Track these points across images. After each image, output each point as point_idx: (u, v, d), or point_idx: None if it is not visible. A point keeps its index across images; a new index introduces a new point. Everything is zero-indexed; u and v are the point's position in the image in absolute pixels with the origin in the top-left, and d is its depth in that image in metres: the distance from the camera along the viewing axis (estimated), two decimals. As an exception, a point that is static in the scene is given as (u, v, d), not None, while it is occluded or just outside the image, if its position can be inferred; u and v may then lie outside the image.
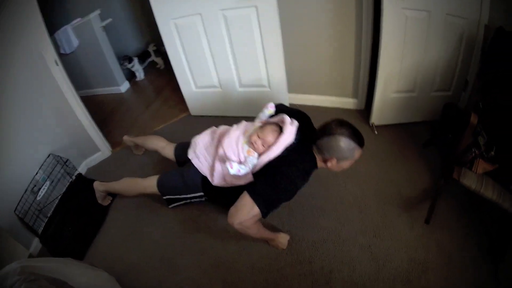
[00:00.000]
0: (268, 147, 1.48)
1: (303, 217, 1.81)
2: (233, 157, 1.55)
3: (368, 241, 1.64)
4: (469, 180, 1.49)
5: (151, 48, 3.66)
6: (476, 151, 1.51)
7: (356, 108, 2.53)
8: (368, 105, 2.43)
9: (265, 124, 1.59)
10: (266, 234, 1.59)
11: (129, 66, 3.44)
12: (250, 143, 1.52)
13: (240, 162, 1.53)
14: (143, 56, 3.63)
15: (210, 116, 2.75)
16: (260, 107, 2.34)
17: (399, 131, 2.27)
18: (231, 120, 2.47)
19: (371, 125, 2.30)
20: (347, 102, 2.53)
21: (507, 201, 1.42)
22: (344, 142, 1.35)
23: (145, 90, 3.48)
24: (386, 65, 2.01)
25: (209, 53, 2.33)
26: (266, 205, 1.35)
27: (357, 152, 1.39)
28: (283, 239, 1.66)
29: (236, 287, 1.57)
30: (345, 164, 1.45)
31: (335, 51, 2.29)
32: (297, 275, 1.56)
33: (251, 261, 1.65)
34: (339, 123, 1.39)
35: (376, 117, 2.27)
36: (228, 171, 1.47)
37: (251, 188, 1.37)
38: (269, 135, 1.49)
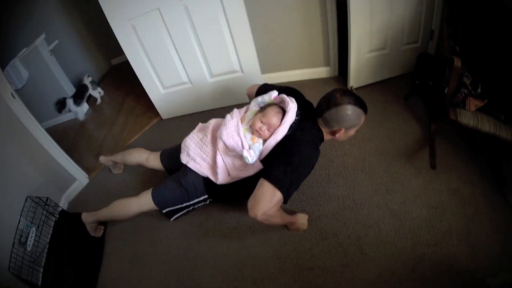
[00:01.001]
0: (274, 130, 1.44)
1: (312, 193, 1.81)
2: (236, 148, 1.49)
3: (384, 199, 1.68)
4: (466, 118, 1.59)
5: (86, 80, 3.13)
6: (465, 91, 1.61)
7: (330, 76, 2.56)
8: (341, 71, 2.48)
9: (264, 107, 1.53)
10: (288, 218, 1.55)
11: (65, 110, 3.07)
12: (255, 131, 1.46)
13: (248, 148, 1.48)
14: (79, 93, 3.07)
15: (183, 115, 2.66)
16: (236, 93, 2.31)
17: (378, 89, 2.35)
18: (206, 115, 2.43)
19: (350, 88, 2.34)
20: (320, 71, 2.55)
21: (503, 130, 1.54)
22: (351, 110, 1.35)
23: (106, 107, 3.28)
24: (357, 27, 2.05)
25: (174, 49, 2.23)
26: (287, 188, 1.30)
27: (363, 118, 1.41)
28: (302, 219, 1.64)
29: (269, 281, 1.53)
30: (352, 132, 1.46)
31: (302, 23, 2.30)
32: (326, 251, 1.56)
33: (275, 251, 1.62)
34: (342, 92, 1.38)
35: (354, 80, 2.32)
36: (245, 160, 1.41)
37: (268, 175, 1.32)
38: (274, 118, 1.44)
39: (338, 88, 1.44)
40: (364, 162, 1.89)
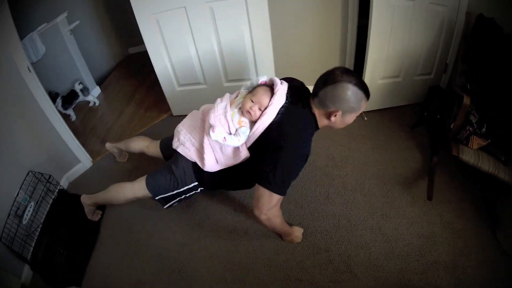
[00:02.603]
0: (265, 110, 1.37)
1: (311, 208, 1.88)
2: (222, 131, 1.44)
3: (378, 223, 1.76)
4: (467, 155, 1.66)
5: (77, 88, 3.00)
6: (470, 128, 1.69)
7: (342, 95, 2.65)
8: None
9: (254, 88, 1.48)
10: (286, 227, 1.61)
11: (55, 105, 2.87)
12: (247, 112, 1.39)
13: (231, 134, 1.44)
14: (69, 98, 2.96)
15: None
16: None
17: (386, 115, 2.44)
18: None
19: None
20: (333, 90, 2.64)
21: (501, 171, 1.61)
22: (351, 91, 1.24)
23: (117, 94, 3.34)
24: (374, 53, 2.13)
25: (194, 48, 2.30)
26: (281, 187, 1.31)
27: (363, 104, 1.31)
28: (298, 232, 1.71)
29: (257, 287, 1.60)
30: (350, 118, 1.35)
31: (321, 40, 2.39)
32: (317, 265, 1.62)
33: (267, 258, 1.68)
34: (344, 70, 1.27)
35: None
36: (219, 145, 1.42)
37: (260, 179, 1.32)
38: (264, 97, 1.37)
39: (341, 66, 1.34)
40: (364, 185, 1.96)
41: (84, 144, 2.43)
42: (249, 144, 1.42)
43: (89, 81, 3.27)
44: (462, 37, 2.08)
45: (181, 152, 1.59)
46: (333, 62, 2.49)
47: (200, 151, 1.55)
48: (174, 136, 1.68)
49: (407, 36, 2.11)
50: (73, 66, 3.07)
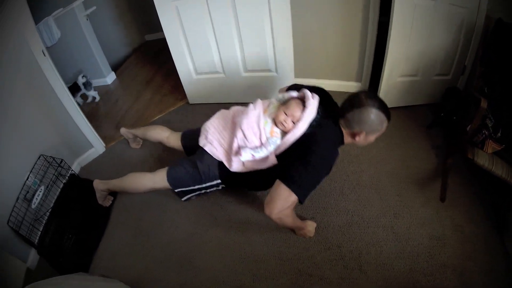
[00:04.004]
0: (297, 122, 1.47)
1: (324, 203, 1.93)
2: (254, 139, 1.55)
3: (390, 222, 1.81)
4: (482, 159, 1.70)
5: (80, 81, 2.99)
6: (486, 132, 1.73)
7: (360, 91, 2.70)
8: (371, 89, 2.60)
9: (287, 100, 1.58)
10: (299, 223, 1.63)
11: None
12: (280, 123, 1.50)
13: (260, 145, 1.54)
14: (70, 90, 2.84)
15: (211, 103, 2.77)
16: (267, 92, 2.39)
17: (403, 114, 2.47)
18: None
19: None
20: (351, 86, 2.68)
21: None
22: (374, 114, 1.37)
23: (133, 80, 3.39)
24: (394, 50, 2.17)
25: (213, 37, 2.34)
26: (303, 190, 1.35)
27: (385, 125, 1.44)
28: (311, 227, 1.75)
29: (267, 280, 1.63)
30: (373, 137, 1.48)
31: (342, 35, 2.42)
32: (328, 261, 1.66)
33: (279, 252, 1.72)
34: (368, 95, 1.40)
35: None
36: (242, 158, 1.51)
37: (284, 176, 1.37)
38: (296, 110, 1.48)
39: (365, 90, 1.49)
40: (378, 182, 2.01)
41: (97, 129, 2.47)
42: (277, 152, 1.52)
43: (105, 66, 3.32)
44: (481, 40, 2.12)
45: (208, 151, 1.68)
46: (352, 58, 2.52)
47: (228, 152, 1.64)
48: (201, 133, 1.76)
49: (427, 36, 2.13)
50: (88, 51, 3.11)
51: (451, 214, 1.82)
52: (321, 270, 1.65)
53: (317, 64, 2.64)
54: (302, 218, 1.77)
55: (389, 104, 2.41)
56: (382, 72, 2.30)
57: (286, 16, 2.17)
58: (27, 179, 1.85)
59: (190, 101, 2.82)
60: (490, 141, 1.73)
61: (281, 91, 1.89)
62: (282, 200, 1.37)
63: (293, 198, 1.36)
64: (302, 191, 1.36)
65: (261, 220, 1.88)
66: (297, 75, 2.61)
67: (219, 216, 1.94)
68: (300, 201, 1.38)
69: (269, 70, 2.47)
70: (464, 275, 1.57)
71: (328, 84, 2.70)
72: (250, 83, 2.56)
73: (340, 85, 2.71)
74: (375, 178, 2.05)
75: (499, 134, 1.72)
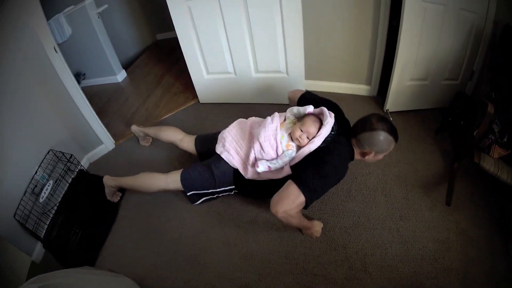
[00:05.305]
0: (312, 138, 1.61)
1: (332, 203, 1.98)
2: (270, 151, 1.66)
3: (396, 224, 1.85)
4: (488, 164, 1.75)
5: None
6: (492, 137, 1.77)
7: (369, 95, 2.75)
8: (380, 92, 2.67)
9: (303, 116, 1.69)
10: (305, 222, 1.69)
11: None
12: (295, 139, 1.63)
13: (276, 157, 1.66)
14: None
15: (221, 103, 2.83)
16: (277, 93, 2.42)
17: (411, 117, 2.52)
18: (244, 108, 2.60)
19: (385, 111, 2.52)
20: (360, 89, 2.74)
21: None
22: (383, 137, 1.53)
23: (144, 78, 3.46)
24: (404, 54, 2.21)
25: (225, 38, 2.39)
26: (312, 194, 1.44)
27: (392, 146, 1.59)
28: (318, 227, 1.79)
29: (272, 279, 1.67)
30: (381, 156, 1.63)
31: (352, 38, 2.48)
32: (333, 261, 1.71)
33: (286, 251, 1.77)
34: (379, 118, 1.55)
35: (391, 104, 2.49)
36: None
37: (297, 178, 1.47)
38: (312, 127, 1.60)
39: (376, 113, 1.61)
40: (385, 185, 2.06)
41: (107, 126, 2.53)
42: (292, 163, 1.64)
43: (116, 64, 3.39)
44: (489, 46, 2.16)
45: (224, 158, 1.79)
46: (362, 61, 2.57)
47: (245, 161, 1.76)
48: (218, 141, 1.87)
49: (436, 40, 2.18)
50: (99, 49, 3.18)
51: (457, 218, 1.86)
52: (327, 270, 1.69)
53: (327, 67, 2.69)
54: (309, 218, 1.83)
55: (399, 107, 2.55)
56: (391, 76, 2.35)
57: (297, 18, 2.22)
58: (36, 173, 1.91)
59: (201, 101, 2.89)
60: (496, 146, 1.78)
61: (291, 93, 1.98)
62: (290, 200, 1.44)
63: (301, 199, 1.44)
64: (310, 194, 1.45)
65: (268, 219, 1.93)
66: (307, 77, 2.65)
67: (226, 214, 1.99)
68: (306, 204, 1.47)
69: (280, 72, 2.52)
70: (467, 279, 1.60)
71: (338, 87, 2.78)
72: (261, 84, 2.61)
73: (350, 88, 2.77)
74: (382, 181, 2.10)
75: (505, 139, 1.76)
